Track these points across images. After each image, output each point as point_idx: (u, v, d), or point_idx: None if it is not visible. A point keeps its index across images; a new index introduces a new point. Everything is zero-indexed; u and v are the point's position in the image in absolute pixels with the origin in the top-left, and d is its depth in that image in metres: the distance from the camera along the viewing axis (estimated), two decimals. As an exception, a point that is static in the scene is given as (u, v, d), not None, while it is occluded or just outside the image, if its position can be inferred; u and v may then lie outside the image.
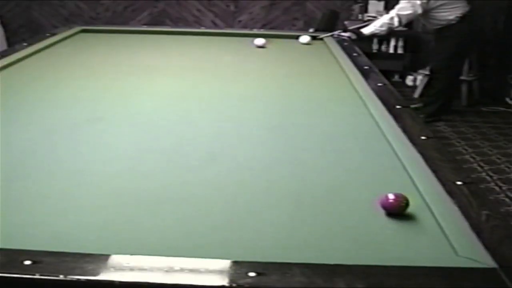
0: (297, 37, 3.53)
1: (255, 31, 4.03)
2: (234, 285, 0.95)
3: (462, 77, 5.27)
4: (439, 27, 4.55)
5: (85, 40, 3.44)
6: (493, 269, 1.01)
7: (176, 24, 6.11)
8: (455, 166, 1.50)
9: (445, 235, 1.17)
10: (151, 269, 1.00)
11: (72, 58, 2.91)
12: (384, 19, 4.39)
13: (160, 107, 2.13)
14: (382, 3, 5.86)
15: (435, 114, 4.79)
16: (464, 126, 4.80)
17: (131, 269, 1.00)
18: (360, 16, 5.87)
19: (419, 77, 5.62)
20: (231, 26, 6.00)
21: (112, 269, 1.00)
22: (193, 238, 1.17)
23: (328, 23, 5.25)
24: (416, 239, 1.19)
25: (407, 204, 1.27)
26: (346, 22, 5.75)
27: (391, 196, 1.27)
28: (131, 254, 1.03)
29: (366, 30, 4.35)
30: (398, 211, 1.26)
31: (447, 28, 4.49)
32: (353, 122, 1.98)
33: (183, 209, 1.29)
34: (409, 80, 5.91)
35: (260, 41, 3.30)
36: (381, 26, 4.36)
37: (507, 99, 5.36)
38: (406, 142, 1.68)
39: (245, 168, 1.55)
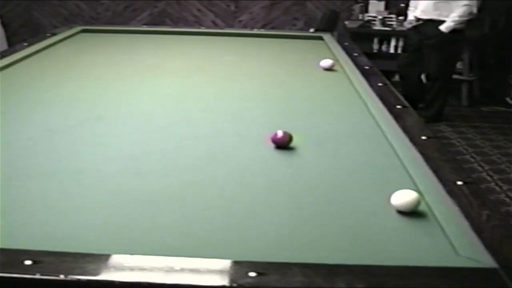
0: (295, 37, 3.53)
1: (255, 31, 4.03)
2: (234, 285, 0.95)
3: (462, 77, 5.27)
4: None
5: (85, 40, 3.44)
6: (493, 269, 1.01)
7: (176, 24, 6.12)
8: (456, 166, 1.50)
9: (445, 235, 1.17)
10: (151, 269, 0.99)
11: (72, 58, 2.91)
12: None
13: (160, 107, 2.12)
14: (382, 3, 5.86)
15: (435, 118, 4.78)
16: (464, 126, 4.80)
17: (131, 269, 1.00)
18: (360, 16, 5.87)
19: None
20: (232, 26, 6.00)
21: (112, 269, 1.00)
22: (193, 238, 1.17)
23: (328, 23, 5.25)
24: (416, 239, 1.19)
25: (290, 139, 1.66)
26: (346, 22, 5.76)
27: (280, 133, 1.66)
28: (131, 254, 1.03)
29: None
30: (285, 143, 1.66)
31: (456, 33, 4.52)
32: (354, 122, 1.98)
33: (183, 209, 1.29)
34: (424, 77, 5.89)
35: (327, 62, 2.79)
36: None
37: (507, 99, 5.36)
38: (406, 142, 1.68)
39: (245, 168, 1.55)
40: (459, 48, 4.72)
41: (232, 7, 6.16)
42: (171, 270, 0.99)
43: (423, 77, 5.39)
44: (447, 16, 4.49)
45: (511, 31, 5.39)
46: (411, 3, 4.92)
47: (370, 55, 3.47)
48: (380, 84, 2.38)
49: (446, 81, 4.78)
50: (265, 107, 2.14)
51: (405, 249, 1.14)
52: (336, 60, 2.86)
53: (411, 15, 4.89)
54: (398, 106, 2.03)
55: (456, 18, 4.44)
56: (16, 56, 2.74)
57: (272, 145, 1.68)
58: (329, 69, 2.75)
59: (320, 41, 3.54)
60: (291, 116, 2.04)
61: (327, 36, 3.61)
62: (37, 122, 1.90)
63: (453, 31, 4.50)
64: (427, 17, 4.62)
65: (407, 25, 4.97)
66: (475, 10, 4.44)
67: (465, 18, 4.45)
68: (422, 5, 4.68)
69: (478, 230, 1.14)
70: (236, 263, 1.01)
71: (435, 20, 4.54)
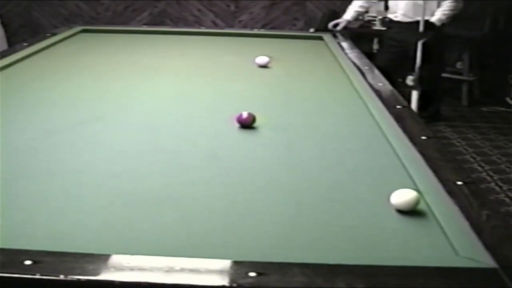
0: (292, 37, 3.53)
1: (255, 31, 4.04)
2: (234, 285, 0.95)
3: (462, 77, 5.27)
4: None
5: (85, 40, 3.44)
6: (493, 269, 1.01)
7: (176, 24, 6.11)
8: (456, 166, 1.50)
9: (445, 235, 1.17)
10: (151, 269, 0.99)
11: (72, 58, 2.91)
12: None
13: (160, 107, 2.13)
14: (382, 3, 5.85)
15: (434, 118, 4.77)
16: (464, 126, 4.80)
17: (131, 269, 1.00)
18: (360, 17, 5.86)
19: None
20: (232, 26, 5.99)
21: (112, 269, 1.00)
22: (193, 238, 1.17)
23: (328, 23, 5.25)
24: (416, 239, 1.19)
25: (254, 120, 1.82)
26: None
27: (244, 114, 1.82)
28: (131, 254, 1.03)
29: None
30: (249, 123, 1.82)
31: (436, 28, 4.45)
32: (353, 122, 1.98)
33: (183, 209, 1.29)
34: (409, 80, 5.89)
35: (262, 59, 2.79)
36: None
37: (507, 99, 5.36)
38: (406, 142, 1.68)
39: (245, 168, 1.55)
40: (444, 42, 4.65)
41: (232, 7, 6.16)
42: (171, 270, 0.98)
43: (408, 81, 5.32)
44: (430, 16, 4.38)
45: (511, 31, 5.39)
46: (355, 4, 4.68)
47: (370, 55, 3.47)
48: (380, 84, 2.38)
49: (439, 78, 4.76)
50: (265, 107, 2.14)
51: (405, 249, 1.14)
52: (336, 60, 2.86)
53: (348, 15, 4.60)
54: (398, 106, 2.03)
55: (448, 12, 4.33)
56: (16, 56, 2.74)
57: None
58: (264, 66, 2.72)
59: (320, 41, 3.54)
60: (291, 116, 2.04)
61: (327, 36, 3.61)
62: (37, 122, 1.90)
63: (433, 26, 4.32)
64: (410, 20, 4.43)
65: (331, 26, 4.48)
66: (461, 4, 4.39)
67: (455, 12, 4.37)
68: (402, 8, 4.49)
69: (478, 230, 1.14)
70: (236, 263, 1.01)
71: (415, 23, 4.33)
